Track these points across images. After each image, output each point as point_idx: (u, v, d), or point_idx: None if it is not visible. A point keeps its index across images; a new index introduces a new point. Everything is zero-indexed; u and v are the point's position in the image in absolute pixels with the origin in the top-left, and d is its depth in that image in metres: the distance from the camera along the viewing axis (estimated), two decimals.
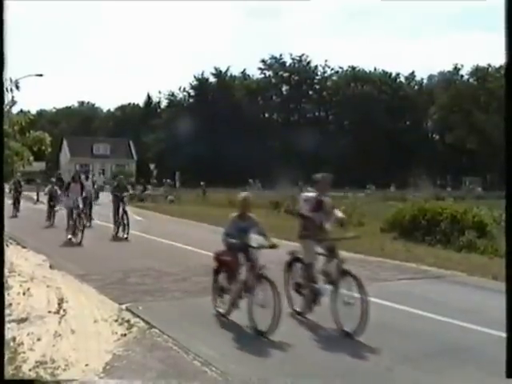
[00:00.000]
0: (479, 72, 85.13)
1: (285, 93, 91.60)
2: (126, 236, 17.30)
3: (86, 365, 6.08)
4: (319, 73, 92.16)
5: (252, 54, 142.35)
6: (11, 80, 9.18)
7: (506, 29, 3.44)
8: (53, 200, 21.64)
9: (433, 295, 9.78)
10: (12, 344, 6.37)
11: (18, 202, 25.21)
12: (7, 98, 9.39)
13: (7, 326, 5.72)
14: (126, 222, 17.56)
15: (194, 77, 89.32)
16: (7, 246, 11.90)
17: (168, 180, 48.55)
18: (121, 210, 17.67)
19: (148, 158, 71.33)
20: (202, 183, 45.97)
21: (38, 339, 6.89)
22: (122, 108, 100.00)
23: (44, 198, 26.10)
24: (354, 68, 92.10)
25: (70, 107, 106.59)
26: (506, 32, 3.46)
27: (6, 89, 8.88)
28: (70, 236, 16.33)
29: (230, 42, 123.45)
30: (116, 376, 5.82)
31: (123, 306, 8.56)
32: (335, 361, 6.43)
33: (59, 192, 21.53)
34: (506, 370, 3.55)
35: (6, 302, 6.92)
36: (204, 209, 30.28)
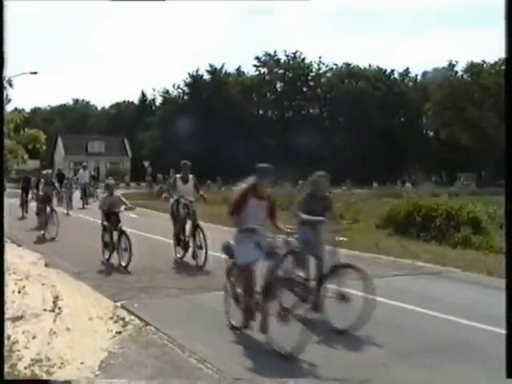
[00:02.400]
0: (474, 68, 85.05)
1: (279, 90, 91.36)
2: (200, 264, 11.70)
3: (82, 363, 6.07)
4: (313, 70, 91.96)
5: (246, 52, 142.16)
6: (4, 78, 9.14)
7: (506, 26, 3.42)
8: (118, 219, 12.15)
9: (428, 291, 9.78)
10: (7, 342, 6.34)
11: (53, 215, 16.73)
12: None
13: None
14: (199, 242, 12.01)
15: (189, 74, 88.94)
16: None
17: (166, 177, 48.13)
18: (188, 224, 12.49)
19: (143, 155, 71.23)
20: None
21: (34, 337, 6.88)
22: (116, 106, 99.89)
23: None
24: (348, 65, 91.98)
25: (64, 105, 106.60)
26: (506, 31, 3.44)
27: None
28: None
29: (225, 39, 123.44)
30: (112, 373, 5.81)
31: None
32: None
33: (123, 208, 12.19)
34: (506, 370, 3.53)
35: None
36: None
